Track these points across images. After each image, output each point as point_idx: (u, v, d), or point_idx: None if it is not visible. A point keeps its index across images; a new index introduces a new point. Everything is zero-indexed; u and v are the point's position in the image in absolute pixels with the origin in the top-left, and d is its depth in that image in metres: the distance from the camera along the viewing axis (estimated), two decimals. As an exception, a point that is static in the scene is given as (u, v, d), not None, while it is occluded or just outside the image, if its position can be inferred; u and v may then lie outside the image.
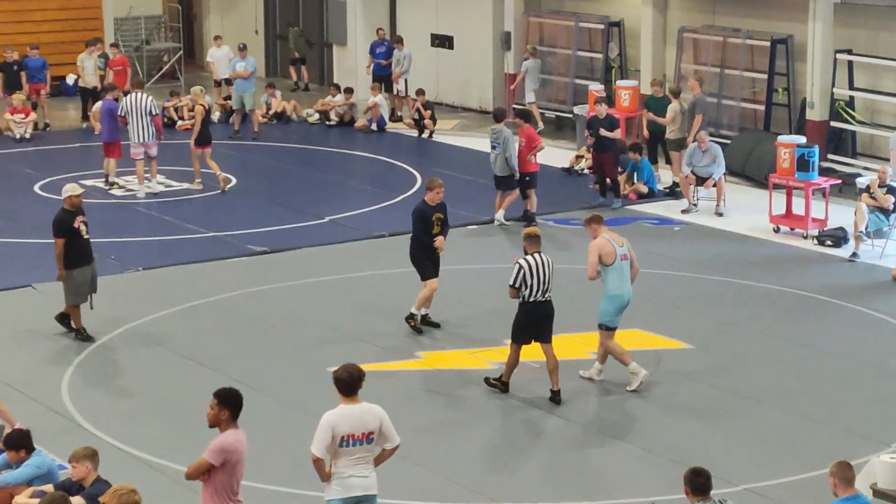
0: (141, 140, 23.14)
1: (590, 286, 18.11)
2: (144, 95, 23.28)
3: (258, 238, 20.67)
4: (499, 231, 21.09)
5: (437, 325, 16.59)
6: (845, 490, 9.46)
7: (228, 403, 9.80)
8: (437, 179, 16.69)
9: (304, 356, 15.82)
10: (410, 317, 16.52)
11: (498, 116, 21.33)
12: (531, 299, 14.23)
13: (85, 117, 29.12)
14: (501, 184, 21.19)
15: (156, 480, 12.45)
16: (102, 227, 21.33)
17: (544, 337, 14.39)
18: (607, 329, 14.75)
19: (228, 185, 23.61)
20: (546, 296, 14.30)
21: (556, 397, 14.35)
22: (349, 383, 10.16)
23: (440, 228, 16.46)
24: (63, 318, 16.55)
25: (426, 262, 16.46)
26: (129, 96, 23.40)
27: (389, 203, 22.77)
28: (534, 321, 14.33)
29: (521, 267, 14.17)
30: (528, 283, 14.17)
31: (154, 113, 23.28)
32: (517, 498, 12.28)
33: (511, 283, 14.22)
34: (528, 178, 21.33)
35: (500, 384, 14.68)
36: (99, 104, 25.62)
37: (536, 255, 14.29)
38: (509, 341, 14.58)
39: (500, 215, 21.23)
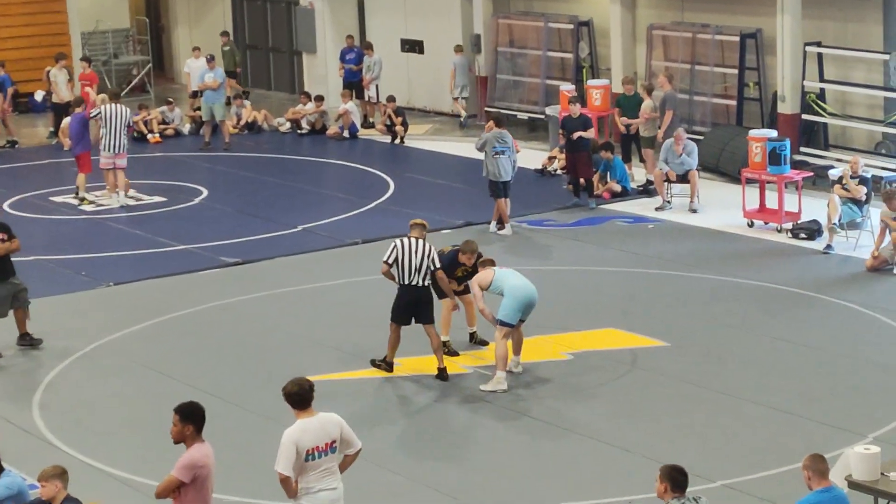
0: (115, 151, 23.16)
1: (565, 288, 18.12)
2: (122, 107, 23.42)
3: (231, 249, 20.55)
4: (474, 235, 20.94)
5: (484, 343, 15.96)
6: (819, 483, 9.39)
7: (191, 418, 9.68)
8: (472, 243, 15.80)
9: (277, 367, 15.67)
10: (444, 345, 15.68)
11: (501, 121, 21.16)
12: (405, 281, 14.86)
13: (54, 133, 28.95)
14: (506, 189, 20.82)
15: (127, 497, 12.33)
16: (72, 243, 21.29)
17: (424, 318, 14.95)
18: (503, 325, 14.66)
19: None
20: (422, 282, 14.85)
21: (442, 374, 14.93)
22: (301, 396, 9.99)
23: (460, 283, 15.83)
24: (23, 338, 16.43)
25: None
26: (107, 106, 23.37)
27: (363, 210, 22.69)
28: (408, 303, 14.93)
29: (395, 246, 14.85)
30: (401, 264, 14.79)
31: (129, 125, 23.59)
32: (493, 501, 12.19)
33: (384, 258, 14.87)
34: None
35: (384, 364, 15.17)
36: (67, 119, 25.48)
37: (415, 239, 14.86)
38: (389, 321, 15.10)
39: (509, 227, 20.95)
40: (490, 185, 20.89)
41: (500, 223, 21.01)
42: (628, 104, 23.90)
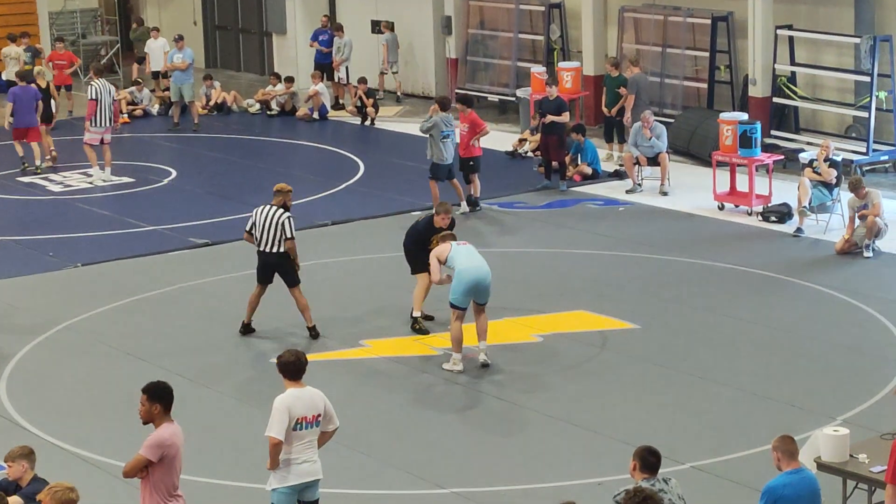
0: (104, 125, 23.33)
1: (535, 270, 18.10)
2: (108, 82, 23.80)
3: (200, 230, 20.44)
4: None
5: (430, 318, 16.12)
6: (789, 464, 9.39)
7: (158, 398, 9.63)
8: (445, 204, 16.20)
9: (246, 348, 15.64)
10: (414, 321, 15.94)
11: (446, 105, 21.04)
12: (259, 247, 15.55)
13: None
14: (451, 171, 20.76)
15: (94, 477, 12.26)
16: (39, 224, 21.14)
17: (287, 281, 15.65)
18: (453, 307, 14.59)
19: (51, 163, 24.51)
20: (269, 248, 15.41)
21: (313, 332, 15.67)
22: (297, 366, 10.19)
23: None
24: None
25: (420, 254, 15.72)
26: (97, 81, 23.46)
27: (333, 191, 22.60)
28: (262, 266, 15.65)
29: (254, 212, 15.53)
30: (257, 230, 15.43)
31: (115, 99, 23.91)
32: (464, 483, 12.17)
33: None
34: (471, 163, 21.18)
35: (242, 327, 15.87)
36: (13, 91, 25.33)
37: (271, 206, 15.42)
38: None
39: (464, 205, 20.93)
40: (435, 168, 20.62)
41: (472, 203, 20.98)
42: (613, 84, 23.92)
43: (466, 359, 14.78)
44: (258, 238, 15.53)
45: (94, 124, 23.30)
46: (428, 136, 20.58)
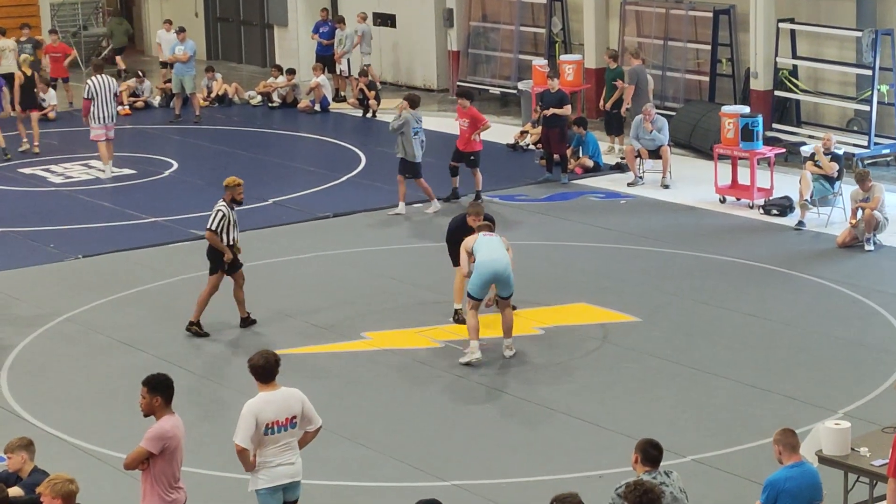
0: (105, 122, 23.12)
1: (536, 263, 18.09)
2: (109, 77, 23.48)
3: (200, 222, 20.31)
4: (446, 211, 20.89)
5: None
6: (790, 457, 9.39)
7: (158, 390, 9.62)
8: (477, 205, 16.07)
9: (246, 340, 15.62)
10: (455, 313, 15.88)
11: (416, 102, 20.65)
12: (229, 243, 15.60)
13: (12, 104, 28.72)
14: (420, 169, 20.48)
15: (95, 469, 12.27)
16: (40, 215, 21.12)
17: (233, 270, 15.81)
18: (469, 297, 14.64)
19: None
20: (232, 243, 15.65)
21: (245, 322, 15.83)
22: (266, 369, 10.00)
23: None
24: None
25: (454, 249, 15.69)
26: (95, 78, 23.24)
27: (334, 184, 22.58)
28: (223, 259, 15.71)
29: (223, 215, 15.54)
30: (227, 231, 15.55)
31: (117, 95, 23.70)
32: (465, 475, 12.16)
33: (212, 227, 15.50)
34: (472, 158, 21.09)
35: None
36: None
37: (235, 205, 15.67)
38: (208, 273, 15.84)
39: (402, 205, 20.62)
40: (407, 166, 20.29)
41: (476, 195, 20.92)
42: (610, 77, 23.90)
43: (481, 348, 14.73)
44: (230, 235, 15.67)
45: (94, 121, 23.13)
46: (399, 134, 20.21)
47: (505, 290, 14.70)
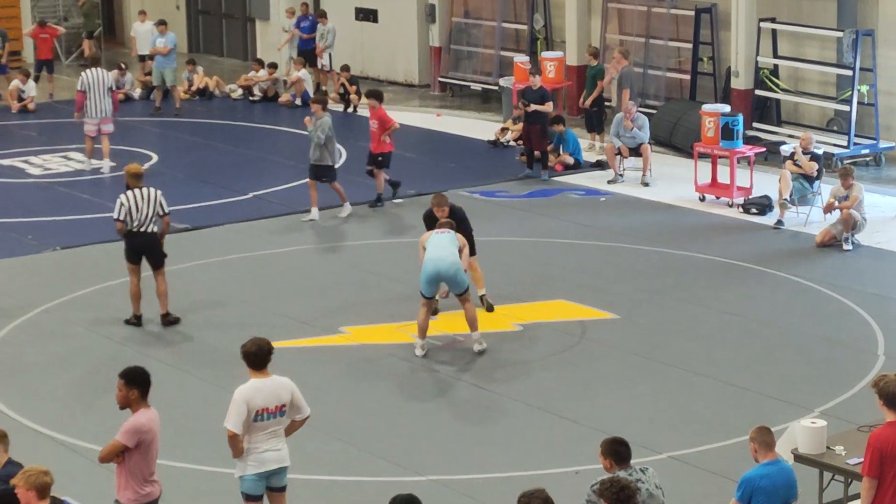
0: (99, 115, 22.81)
1: (515, 259, 18.09)
2: (104, 71, 23.18)
3: (181, 215, 20.31)
4: (419, 206, 20.82)
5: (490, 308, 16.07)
6: (765, 455, 9.40)
7: (135, 383, 9.60)
8: (439, 196, 15.80)
9: (226, 333, 15.57)
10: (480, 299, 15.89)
11: (326, 104, 20.37)
12: (132, 229, 15.49)
13: None
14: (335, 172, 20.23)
15: (70, 461, 12.22)
16: (19, 207, 21.04)
17: (153, 264, 15.73)
18: (421, 295, 14.64)
19: None
20: (146, 228, 15.50)
21: (165, 319, 15.74)
22: (259, 356, 10.05)
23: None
24: None
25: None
26: (89, 71, 22.98)
27: (314, 178, 22.49)
28: (136, 248, 15.62)
29: (121, 203, 15.44)
30: (132, 216, 15.42)
31: (113, 88, 23.23)
32: (443, 471, 12.16)
33: (116, 216, 15.44)
34: (380, 159, 20.65)
35: (134, 319, 15.81)
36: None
37: (138, 190, 15.48)
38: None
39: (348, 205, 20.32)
40: (323, 170, 19.84)
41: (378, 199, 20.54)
42: (590, 75, 23.91)
43: (445, 348, 14.72)
44: (134, 221, 15.46)
45: (87, 114, 22.85)
46: (323, 137, 19.76)
47: (456, 288, 14.62)
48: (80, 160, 23.50)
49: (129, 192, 15.53)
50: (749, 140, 22.18)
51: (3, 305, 16.52)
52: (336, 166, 20.08)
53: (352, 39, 30.51)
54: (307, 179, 20.20)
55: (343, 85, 28.13)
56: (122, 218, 15.42)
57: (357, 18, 30.76)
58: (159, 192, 15.65)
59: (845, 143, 22.39)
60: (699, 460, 12.20)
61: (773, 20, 23.68)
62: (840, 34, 22.61)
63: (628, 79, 23.41)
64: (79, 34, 34.57)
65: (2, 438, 10.54)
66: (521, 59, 26.00)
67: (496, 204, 20.92)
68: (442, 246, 14.58)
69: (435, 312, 15.42)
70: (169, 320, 15.78)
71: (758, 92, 23.87)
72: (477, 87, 28.64)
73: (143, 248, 15.64)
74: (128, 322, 15.82)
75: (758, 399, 13.54)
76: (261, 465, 10.08)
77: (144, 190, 15.57)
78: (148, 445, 9.63)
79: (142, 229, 15.50)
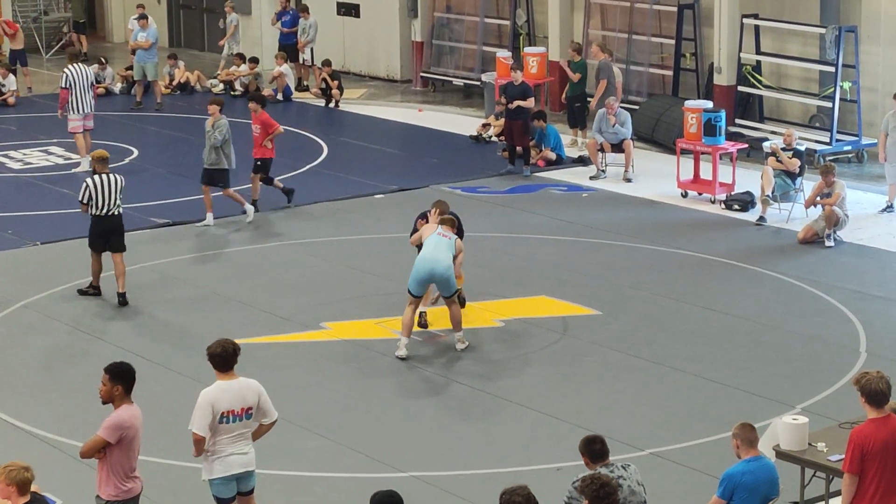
0: (84, 112, 22.68)
1: (497, 255, 18.07)
2: (86, 66, 23.13)
3: (161, 210, 20.31)
4: (407, 202, 20.81)
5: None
6: (748, 451, 9.40)
7: (120, 378, 9.55)
8: (442, 203, 15.57)
9: (206, 329, 15.50)
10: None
11: (223, 106, 20.02)
12: (98, 213, 16.06)
13: None
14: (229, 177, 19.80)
15: (50, 457, 12.17)
16: (-1, 201, 20.96)
17: (114, 247, 16.26)
18: (408, 293, 14.59)
19: None
20: (112, 211, 16.13)
21: (122, 299, 16.18)
22: (224, 358, 9.91)
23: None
24: None
25: None
26: (72, 67, 22.79)
27: (295, 173, 22.48)
28: (102, 232, 16.19)
29: (87, 186, 16.00)
30: (95, 200, 15.97)
31: (94, 83, 23.18)
32: (423, 467, 12.13)
33: (80, 199, 16.04)
34: (259, 163, 20.25)
35: (91, 290, 16.46)
36: None
37: (104, 175, 16.06)
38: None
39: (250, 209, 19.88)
40: (220, 174, 19.39)
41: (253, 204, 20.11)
42: (574, 70, 23.91)
43: (428, 342, 14.70)
44: (99, 205, 16.04)
45: (73, 111, 22.66)
46: (220, 139, 19.41)
47: (445, 290, 14.59)
48: (77, 160, 23.15)
49: (96, 177, 16.09)
50: (731, 136, 22.19)
51: (-18, 300, 16.46)
52: (230, 170, 19.54)
53: (333, 34, 30.44)
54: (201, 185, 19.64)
55: (325, 80, 28.05)
56: (84, 200, 16.05)
57: (339, 13, 30.70)
58: (122, 178, 16.29)
59: (828, 140, 22.42)
60: (681, 457, 12.19)
61: (755, 16, 23.69)
62: (823, 30, 22.63)
63: (605, 71, 23.40)
64: (59, 28, 34.45)
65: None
66: (503, 54, 25.97)
67: (478, 200, 20.89)
68: (440, 249, 14.54)
69: (425, 326, 15.39)
70: (126, 300, 16.22)
71: (740, 88, 23.88)
72: (459, 82, 28.60)
73: (107, 232, 16.21)
74: (82, 292, 16.50)
75: (739, 395, 13.54)
76: (226, 469, 9.96)
77: (111, 175, 16.16)
78: (130, 441, 9.59)
79: (108, 213, 16.11)
